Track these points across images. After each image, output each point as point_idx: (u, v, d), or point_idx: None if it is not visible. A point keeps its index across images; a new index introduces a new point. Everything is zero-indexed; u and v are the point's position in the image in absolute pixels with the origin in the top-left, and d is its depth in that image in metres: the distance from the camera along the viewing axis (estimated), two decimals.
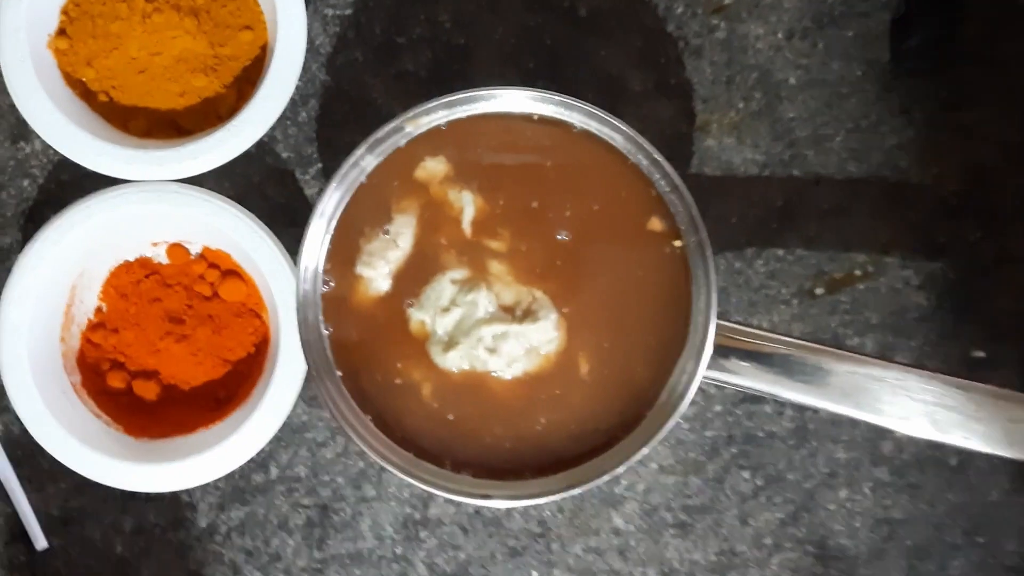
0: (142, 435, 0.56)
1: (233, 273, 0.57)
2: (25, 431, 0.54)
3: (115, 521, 0.58)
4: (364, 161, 0.50)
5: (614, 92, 0.57)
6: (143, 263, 0.58)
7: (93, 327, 0.57)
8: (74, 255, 0.55)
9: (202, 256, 0.57)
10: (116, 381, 0.57)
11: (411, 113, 0.49)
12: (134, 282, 0.57)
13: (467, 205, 0.50)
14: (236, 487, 0.58)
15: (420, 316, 0.50)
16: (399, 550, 0.57)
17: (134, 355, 0.57)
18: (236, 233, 0.54)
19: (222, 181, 0.57)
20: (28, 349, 0.54)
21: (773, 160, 0.57)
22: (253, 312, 0.57)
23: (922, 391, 0.47)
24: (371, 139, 0.49)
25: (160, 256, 0.58)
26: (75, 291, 0.56)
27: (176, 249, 0.57)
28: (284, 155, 0.58)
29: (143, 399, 0.57)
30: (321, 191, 0.50)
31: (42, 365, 0.55)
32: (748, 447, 0.57)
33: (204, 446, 0.54)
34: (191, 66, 0.56)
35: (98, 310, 0.57)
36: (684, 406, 0.48)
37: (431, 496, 0.57)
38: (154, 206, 0.55)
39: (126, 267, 0.57)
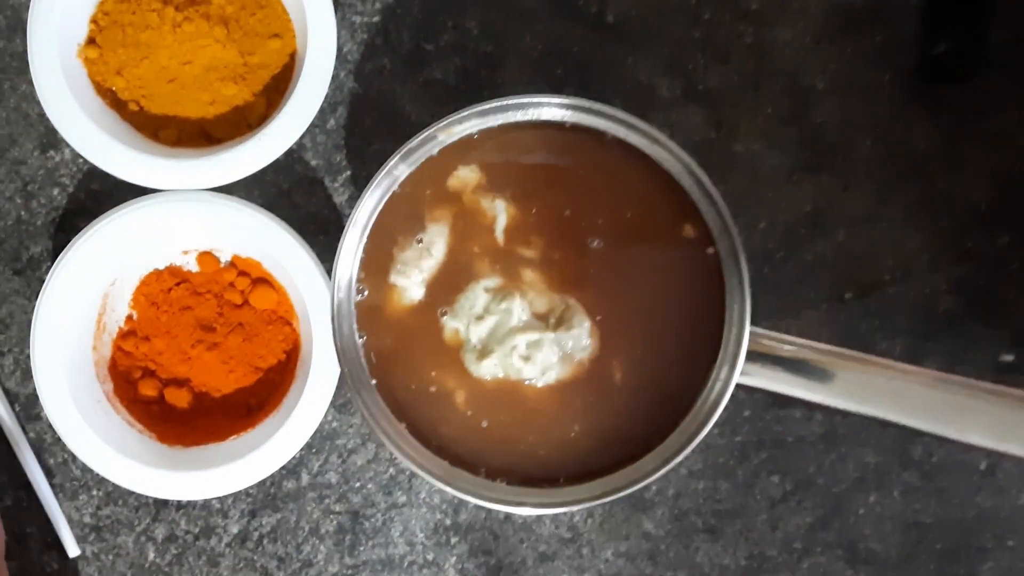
0: (175, 443, 0.56)
1: (263, 281, 0.57)
2: (57, 439, 0.54)
3: (147, 529, 0.58)
4: (397, 170, 0.50)
5: (642, 99, 0.57)
6: (173, 271, 0.58)
7: (124, 335, 0.57)
8: (105, 264, 0.55)
9: (232, 264, 0.58)
10: (148, 389, 0.57)
11: (444, 122, 0.49)
12: (165, 290, 0.57)
13: (500, 213, 0.50)
14: (267, 494, 0.58)
15: (454, 324, 0.50)
16: (430, 556, 0.58)
17: (165, 363, 0.57)
18: (266, 240, 0.55)
19: (252, 189, 0.58)
20: (62, 358, 0.54)
21: (801, 165, 0.57)
22: (283, 319, 0.57)
23: (952, 395, 0.48)
24: (404, 148, 0.49)
25: (190, 264, 0.58)
26: (107, 300, 0.57)
27: (206, 257, 0.57)
28: (313, 163, 0.58)
29: (175, 407, 0.57)
30: (354, 200, 0.50)
31: (75, 374, 0.55)
32: (777, 451, 0.57)
33: (236, 454, 0.55)
34: (221, 75, 0.56)
35: (129, 318, 0.58)
36: (718, 413, 0.48)
37: (462, 502, 0.57)
38: (184, 214, 0.55)
39: (156, 275, 0.58)
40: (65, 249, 0.54)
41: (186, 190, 0.55)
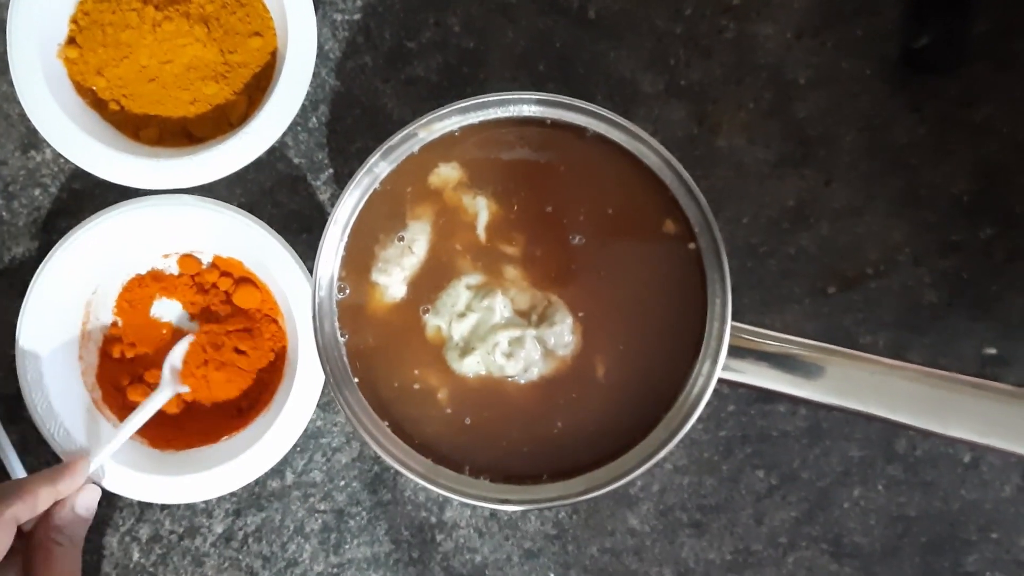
0: (166, 447, 0.56)
1: (246, 280, 0.57)
2: (41, 440, 0.54)
3: (132, 529, 0.58)
4: (378, 168, 0.50)
5: (625, 94, 0.57)
6: (155, 275, 0.57)
7: (109, 342, 0.57)
8: (86, 273, 0.55)
9: (214, 265, 0.57)
10: (137, 395, 0.56)
11: (424, 119, 0.49)
12: (148, 295, 0.57)
13: (481, 210, 0.50)
14: (252, 493, 0.58)
15: (436, 322, 0.50)
16: (415, 554, 0.58)
17: (153, 368, 0.57)
18: (248, 240, 0.55)
19: (234, 188, 0.57)
20: (48, 371, 0.54)
21: (784, 160, 0.57)
22: (269, 317, 0.57)
23: (935, 389, 0.47)
24: (384, 146, 0.49)
25: (171, 267, 0.57)
26: (90, 308, 0.56)
27: (187, 260, 0.57)
28: (295, 161, 0.58)
29: (165, 411, 0.56)
30: (335, 198, 0.50)
31: (63, 385, 0.55)
32: (762, 446, 0.57)
33: (229, 455, 0.54)
34: (202, 74, 0.56)
35: (113, 325, 0.57)
36: (701, 408, 0.48)
37: (447, 499, 0.57)
38: (162, 218, 0.54)
39: (138, 280, 0.57)
40: (42, 263, 0.54)
41: (162, 193, 0.55)
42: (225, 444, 0.56)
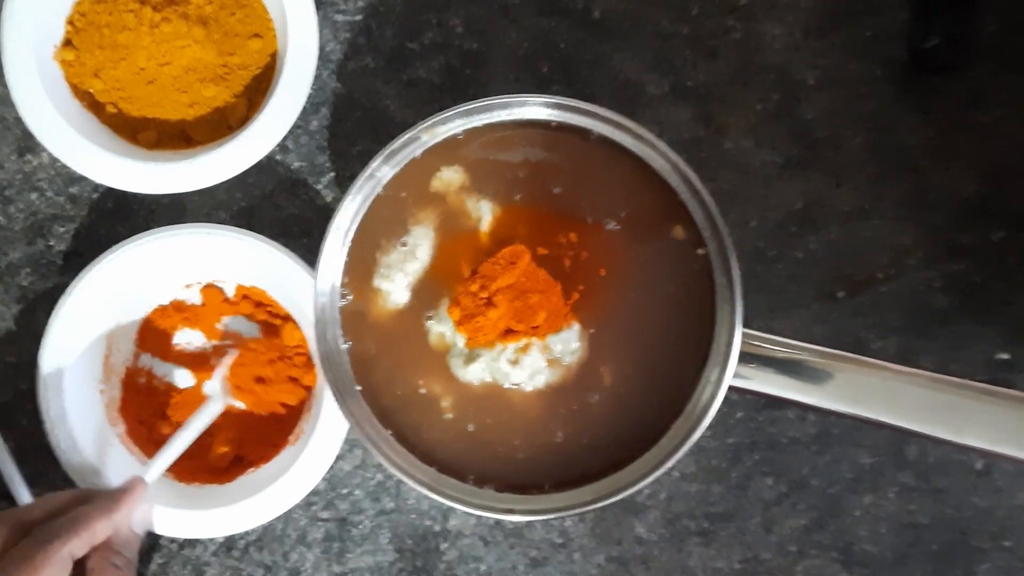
0: (193, 480, 0.55)
1: (269, 308, 0.56)
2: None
3: None
4: (380, 172, 0.49)
5: (630, 96, 0.56)
6: (177, 306, 0.56)
7: (132, 374, 0.56)
8: (107, 306, 0.54)
9: (237, 294, 0.56)
10: (164, 428, 0.55)
11: (427, 123, 0.49)
12: (170, 326, 0.56)
13: (485, 214, 0.50)
14: None
15: (440, 329, 0.49)
16: (419, 562, 0.57)
17: (176, 401, 0.56)
18: (272, 267, 0.53)
19: (233, 192, 0.57)
20: (71, 406, 0.52)
21: (792, 162, 0.56)
22: (294, 346, 0.56)
23: (947, 396, 0.47)
24: (387, 150, 0.49)
25: (194, 298, 0.56)
26: (112, 340, 0.55)
27: (210, 290, 0.56)
28: (296, 165, 0.57)
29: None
30: (337, 203, 0.49)
31: (86, 419, 0.53)
32: (771, 453, 0.56)
33: (258, 486, 0.53)
34: (200, 76, 0.55)
35: (135, 356, 0.56)
36: (710, 416, 0.47)
37: (451, 508, 0.56)
38: (185, 248, 0.53)
39: (160, 311, 0.56)
40: (63, 296, 0.52)
41: (184, 225, 0.53)
42: (255, 475, 0.54)
